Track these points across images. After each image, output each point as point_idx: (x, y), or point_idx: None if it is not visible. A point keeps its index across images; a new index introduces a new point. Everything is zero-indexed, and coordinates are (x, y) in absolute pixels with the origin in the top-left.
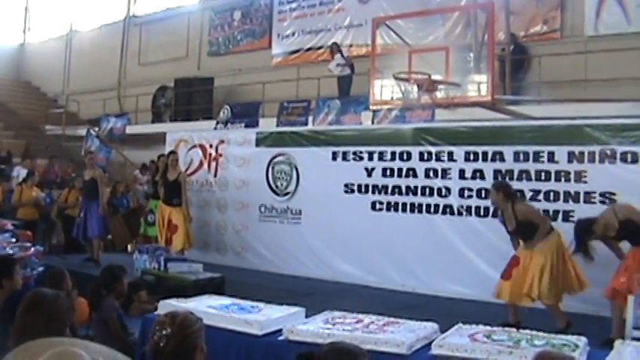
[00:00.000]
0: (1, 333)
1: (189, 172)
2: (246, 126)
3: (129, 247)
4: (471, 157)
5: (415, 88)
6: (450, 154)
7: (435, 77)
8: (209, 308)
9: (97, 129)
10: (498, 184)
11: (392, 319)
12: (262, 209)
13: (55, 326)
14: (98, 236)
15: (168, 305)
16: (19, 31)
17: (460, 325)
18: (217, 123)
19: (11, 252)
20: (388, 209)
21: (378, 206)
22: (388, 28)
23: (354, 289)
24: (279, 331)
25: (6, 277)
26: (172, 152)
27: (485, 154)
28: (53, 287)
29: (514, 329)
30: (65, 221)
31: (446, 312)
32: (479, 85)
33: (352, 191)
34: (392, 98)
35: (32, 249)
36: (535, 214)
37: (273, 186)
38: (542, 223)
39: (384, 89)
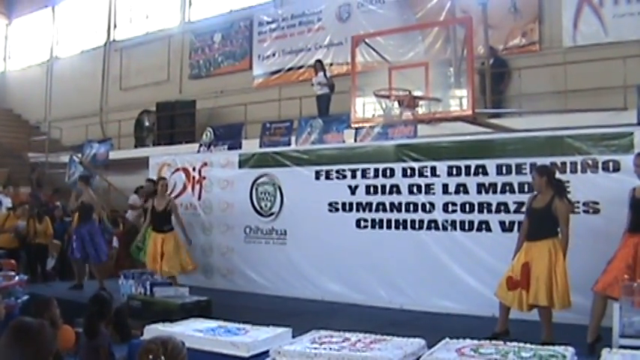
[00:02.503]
0: None
1: (173, 195)
2: (229, 148)
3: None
4: (454, 171)
5: (396, 104)
6: (433, 169)
7: (416, 93)
8: (195, 332)
9: (80, 155)
10: (543, 168)
11: (379, 337)
12: (247, 230)
13: (41, 356)
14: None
15: (154, 330)
16: (0, 59)
17: (447, 339)
18: (200, 146)
19: None
20: (373, 226)
21: (362, 224)
22: (368, 45)
23: (341, 308)
24: (266, 352)
25: None
26: (162, 178)
27: (468, 168)
28: (38, 315)
29: (501, 342)
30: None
31: (434, 327)
32: (460, 99)
33: (336, 210)
34: (373, 115)
35: (16, 277)
36: (567, 218)
37: (258, 207)
38: (567, 229)
39: (366, 107)
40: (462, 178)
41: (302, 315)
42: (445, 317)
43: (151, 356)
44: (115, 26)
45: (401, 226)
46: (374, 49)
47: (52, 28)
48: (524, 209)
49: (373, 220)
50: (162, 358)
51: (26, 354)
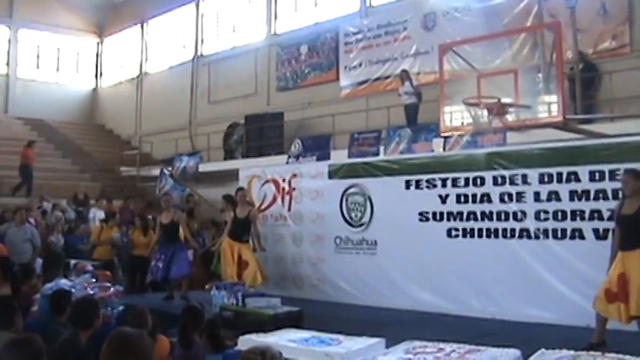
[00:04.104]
0: None
1: (263, 206)
2: (318, 159)
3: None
4: (546, 179)
5: (485, 112)
6: (525, 176)
7: (505, 100)
8: (289, 342)
9: (170, 168)
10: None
11: (473, 347)
12: (337, 241)
13: None
14: (187, 276)
15: (248, 340)
16: (92, 76)
17: (543, 350)
18: (289, 157)
19: (92, 292)
20: (464, 236)
21: (453, 233)
22: (455, 53)
23: (432, 318)
24: None
25: (96, 317)
26: (240, 189)
27: (560, 175)
28: (135, 326)
29: (599, 353)
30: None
31: (527, 338)
32: (549, 105)
33: (427, 219)
34: (462, 124)
35: (112, 289)
36: None
37: (348, 217)
38: None
39: (454, 115)
40: (554, 186)
41: (393, 325)
42: (538, 327)
43: None
44: (202, 41)
45: (492, 235)
46: (462, 57)
47: (141, 45)
48: None
49: (464, 230)
50: None
51: None
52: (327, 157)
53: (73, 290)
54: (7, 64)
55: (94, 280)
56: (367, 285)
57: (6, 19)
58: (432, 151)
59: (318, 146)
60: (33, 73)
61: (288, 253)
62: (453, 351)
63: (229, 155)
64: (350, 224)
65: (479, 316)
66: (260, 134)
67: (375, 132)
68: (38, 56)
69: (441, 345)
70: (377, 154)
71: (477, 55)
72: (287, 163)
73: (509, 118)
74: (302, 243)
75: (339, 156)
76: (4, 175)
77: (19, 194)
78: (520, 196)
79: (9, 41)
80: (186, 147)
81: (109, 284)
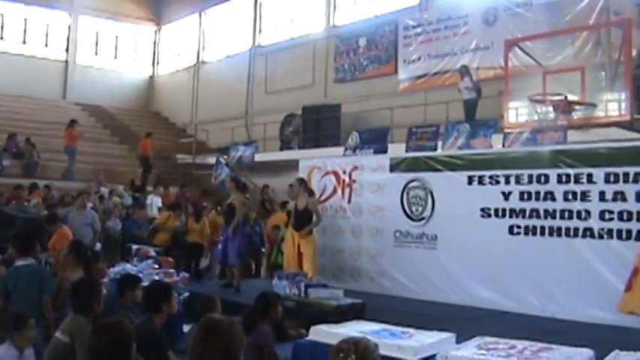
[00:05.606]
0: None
1: (322, 198)
2: (375, 152)
3: (262, 273)
4: (612, 178)
5: (551, 109)
6: (589, 175)
7: (571, 98)
8: (359, 334)
9: (226, 157)
10: None
11: (545, 345)
12: (397, 234)
13: (232, 352)
14: (238, 264)
15: (320, 331)
16: (149, 64)
17: (617, 352)
18: (346, 149)
19: (157, 278)
20: (526, 233)
21: (515, 230)
22: (520, 49)
23: (491, 315)
24: (432, 356)
25: (166, 302)
26: (298, 179)
27: (626, 175)
28: (203, 313)
29: None
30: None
31: (593, 338)
32: (615, 103)
33: (489, 215)
34: (527, 120)
35: (179, 275)
36: None
37: (408, 211)
38: None
39: (518, 111)
40: (620, 186)
41: (455, 320)
42: (599, 328)
43: (341, 355)
44: (260, 31)
45: (555, 234)
46: (527, 54)
47: (199, 34)
48: None
49: (526, 227)
50: (353, 357)
51: (217, 350)
52: (385, 151)
53: (140, 275)
54: (67, 50)
55: (156, 266)
56: (426, 279)
57: (67, 5)
58: (491, 147)
59: (375, 139)
60: (91, 60)
61: (346, 245)
62: (525, 348)
63: (285, 146)
64: (410, 218)
65: (539, 314)
66: (317, 125)
67: (434, 126)
68: (97, 43)
69: (512, 342)
70: (435, 148)
71: (538, 51)
72: (344, 155)
73: (574, 115)
74: (361, 236)
75: (397, 149)
76: (64, 160)
77: (68, 179)
78: (585, 195)
79: (69, 28)
80: (241, 136)
81: (172, 270)
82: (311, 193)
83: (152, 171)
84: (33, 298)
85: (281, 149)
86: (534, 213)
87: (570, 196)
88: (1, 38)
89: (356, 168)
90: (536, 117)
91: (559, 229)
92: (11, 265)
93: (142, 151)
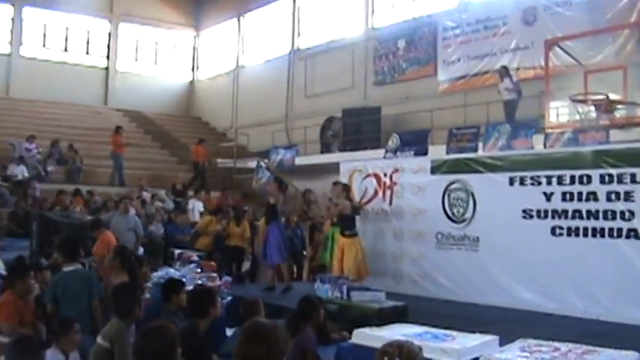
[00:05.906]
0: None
1: (363, 201)
2: (416, 154)
3: (304, 276)
4: None
5: (592, 109)
6: (633, 176)
7: (613, 97)
8: (402, 337)
9: (266, 161)
10: None
11: (590, 348)
12: (439, 237)
13: (275, 356)
14: (278, 264)
15: (363, 334)
16: (189, 69)
17: None
18: (386, 151)
19: (200, 282)
20: (569, 234)
21: (558, 231)
22: (561, 49)
23: (534, 317)
24: (476, 359)
25: (212, 306)
26: (336, 183)
27: None
28: (247, 316)
29: None
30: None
31: (635, 340)
32: None
33: (531, 217)
34: (568, 120)
35: (222, 279)
36: None
37: (450, 213)
38: None
39: (559, 111)
40: None
41: (498, 323)
42: None
43: (386, 358)
44: (299, 35)
45: (598, 235)
46: (568, 53)
47: (238, 38)
48: None
49: (569, 228)
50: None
51: (260, 353)
52: (425, 153)
53: (183, 279)
54: (107, 57)
55: (199, 270)
56: (468, 282)
57: (107, 13)
58: (532, 147)
59: (415, 141)
60: (131, 66)
61: (388, 248)
62: (570, 351)
63: (326, 149)
64: (452, 220)
65: (582, 316)
66: (357, 128)
67: (474, 128)
68: (137, 49)
69: (556, 344)
70: (475, 150)
71: (578, 50)
72: (384, 157)
73: (617, 115)
74: (402, 238)
75: (438, 151)
76: (107, 165)
77: (114, 184)
78: (628, 195)
79: (109, 35)
80: (282, 140)
81: (215, 274)
82: (350, 198)
83: (205, 177)
84: (82, 304)
85: (321, 152)
86: (577, 214)
87: (613, 197)
88: (44, 46)
89: (397, 170)
90: (577, 117)
91: (602, 229)
92: (57, 271)
93: (195, 156)
